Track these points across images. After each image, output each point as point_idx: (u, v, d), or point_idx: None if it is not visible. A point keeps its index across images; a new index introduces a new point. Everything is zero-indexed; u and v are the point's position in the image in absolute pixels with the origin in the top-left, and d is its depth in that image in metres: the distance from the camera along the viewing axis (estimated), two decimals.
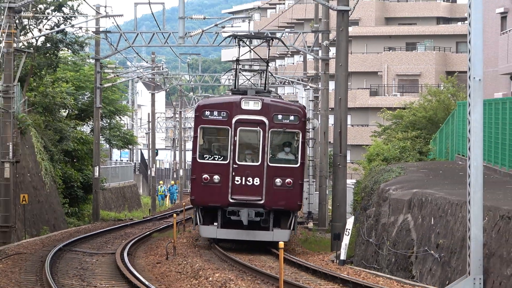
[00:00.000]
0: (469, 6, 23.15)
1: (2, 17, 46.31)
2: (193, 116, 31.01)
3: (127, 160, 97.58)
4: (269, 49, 36.37)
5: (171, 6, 56.92)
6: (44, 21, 60.17)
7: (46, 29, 60.24)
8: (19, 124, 51.62)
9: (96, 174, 67.33)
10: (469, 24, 23.48)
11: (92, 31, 65.53)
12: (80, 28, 63.35)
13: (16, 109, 50.29)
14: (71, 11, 61.08)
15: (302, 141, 30.38)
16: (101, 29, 65.32)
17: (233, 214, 29.16)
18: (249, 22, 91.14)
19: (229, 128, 29.82)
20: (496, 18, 55.27)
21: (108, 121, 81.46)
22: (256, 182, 29.63)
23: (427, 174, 40.22)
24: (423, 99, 64.93)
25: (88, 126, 72.46)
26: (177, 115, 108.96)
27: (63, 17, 60.50)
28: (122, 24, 69.18)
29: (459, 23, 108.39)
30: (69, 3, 60.02)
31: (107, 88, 73.61)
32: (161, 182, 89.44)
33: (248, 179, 29.82)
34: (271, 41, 35.46)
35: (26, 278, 30.74)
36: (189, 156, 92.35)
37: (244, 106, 29.87)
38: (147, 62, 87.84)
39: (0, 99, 46.50)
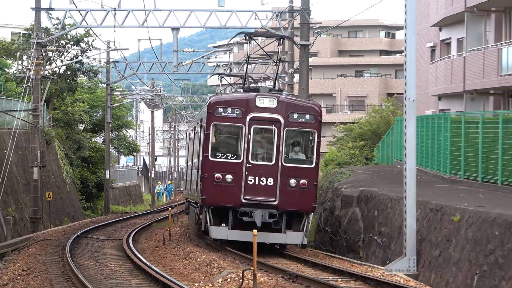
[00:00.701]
0: (405, 41, 24.56)
1: (32, 50, 46.76)
2: (205, 114, 26.74)
3: (131, 165, 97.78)
4: (279, 49, 31.31)
5: (167, 41, 57.01)
6: (65, 53, 60.13)
7: (67, 60, 60.50)
8: (45, 136, 51.76)
9: (107, 176, 68.24)
10: (405, 55, 24.66)
11: (103, 62, 65.95)
12: (94, 59, 63.58)
13: (43, 124, 50.47)
14: (87, 45, 60.93)
15: (318, 141, 25.87)
16: (111, 60, 66.34)
17: (245, 215, 24.96)
18: (229, 54, 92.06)
19: (243, 126, 25.17)
20: (427, 50, 57.08)
21: (117, 133, 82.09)
22: (270, 183, 25.21)
23: (372, 175, 40.52)
24: (368, 115, 66.44)
25: (101, 137, 72.67)
26: (172, 129, 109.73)
27: (80, 50, 60.58)
28: (128, 55, 69.25)
29: (398, 55, 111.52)
30: (85, 39, 59.89)
31: (115, 107, 74.19)
32: (159, 182, 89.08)
33: (262, 179, 25.29)
34: (281, 40, 30.80)
35: (50, 259, 30.37)
36: (182, 161, 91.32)
37: (259, 103, 25.25)
38: (147, 86, 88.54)
39: (30, 116, 46.96)
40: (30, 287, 23.82)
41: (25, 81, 46.46)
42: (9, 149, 41.47)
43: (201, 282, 24.81)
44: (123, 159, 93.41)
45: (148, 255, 33.10)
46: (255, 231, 23.42)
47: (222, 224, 25.31)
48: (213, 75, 37.80)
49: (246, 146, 24.64)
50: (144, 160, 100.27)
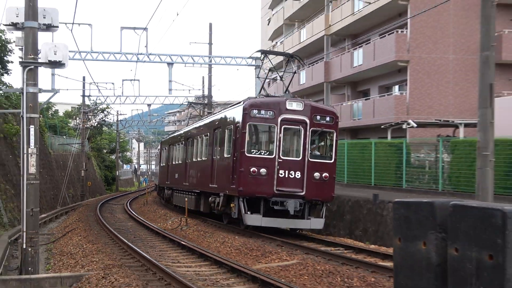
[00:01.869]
0: None
1: (81, 115, 51.70)
2: (240, 114, 20.33)
3: (128, 168, 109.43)
4: (291, 65, 25.14)
5: (146, 110, 50.96)
6: (97, 116, 69.67)
7: (97, 120, 70.19)
8: (87, 155, 56.50)
9: (117, 174, 77.27)
10: None
11: (115, 119, 75.28)
12: (110, 119, 74.72)
13: (86, 149, 54.47)
14: (107, 111, 70.28)
15: (336, 140, 20.34)
16: (118, 119, 74.97)
17: (276, 204, 19.42)
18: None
19: (276, 126, 19.38)
20: None
21: (121, 153, 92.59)
22: (298, 175, 19.41)
23: None
24: None
25: (113, 155, 79.06)
26: (147, 151, 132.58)
27: (104, 114, 70.58)
28: (127, 116, 77.78)
29: None
30: (106, 110, 69.15)
31: (121, 141, 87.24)
32: (141, 177, 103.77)
33: (291, 172, 19.40)
34: (290, 58, 24.06)
35: (89, 213, 31.97)
36: (153, 167, 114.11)
37: (288, 106, 19.63)
38: (136, 132, 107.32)
39: (80, 146, 50.36)
40: (80, 226, 24.94)
41: (78, 129, 53.12)
42: (70, 161, 44.43)
43: (161, 223, 26.84)
44: (124, 166, 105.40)
45: (136, 211, 34.09)
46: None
47: (248, 212, 19.76)
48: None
49: (278, 143, 19.36)
50: (135, 166, 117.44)
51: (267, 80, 28.12)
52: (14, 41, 24.20)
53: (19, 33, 13.97)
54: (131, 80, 44.17)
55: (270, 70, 26.33)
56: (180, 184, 30.89)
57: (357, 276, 12.61)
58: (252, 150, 19.71)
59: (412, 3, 34.26)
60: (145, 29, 30.58)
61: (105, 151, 76.52)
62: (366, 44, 39.17)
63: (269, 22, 61.06)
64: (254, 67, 34.86)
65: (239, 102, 21.22)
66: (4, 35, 30.56)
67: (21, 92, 13.61)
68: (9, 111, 26.99)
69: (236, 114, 20.96)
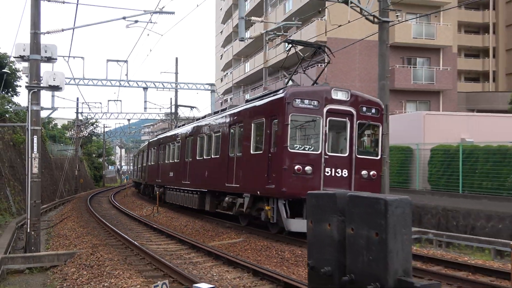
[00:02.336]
0: None
1: (75, 127, 50.57)
2: (280, 105, 13.56)
3: (113, 169, 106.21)
4: (324, 54, 20.79)
5: (131, 121, 49.69)
6: (88, 128, 68.25)
7: (88, 131, 69.03)
8: (80, 158, 54.73)
9: (104, 173, 75.03)
10: None
11: (101, 130, 73.44)
12: (98, 131, 72.79)
13: (79, 154, 52.85)
14: (96, 124, 68.88)
15: (382, 134, 14.38)
16: (105, 130, 73.22)
17: None
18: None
19: (321, 118, 13.42)
20: None
21: (107, 157, 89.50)
22: (345, 174, 13.48)
23: None
24: None
25: (100, 159, 76.65)
26: (127, 156, 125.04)
27: (93, 126, 69.00)
28: (112, 128, 75.64)
29: None
30: (95, 123, 67.75)
31: (107, 148, 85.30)
32: (123, 176, 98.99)
33: (337, 170, 13.43)
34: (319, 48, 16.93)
35: (81, 204, 30.82)
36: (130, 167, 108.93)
37: (334, 95, 13.61)
38: (118, 141, 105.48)
39: (74, 151, 49.17)
40: (73, 214, 24.28)
41: (72, 139, 53.07)
42: (66, 163, 43.77)
43: (138, 211, 26.45)
44: (110, 167, 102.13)
45: (118, 202, 33.12)
46: None
47: (286, 217, 13.60)
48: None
49: (323, 137, 13.49)
50: (118, 167, 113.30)
51: (220, 101, 24.80)
52: (21, 70, 23.22)
53: (25, 64, 13.64)
54: (114, 100, 47.34)
55: (223, 93, 24.77)
56: (177, 183, 24.15)
57: (288, 250, 12.56)
58: (295, 146, 13.68)
59: (329, 44, 33.47)
60: (125, 61, 30.18)
61: (94, 155, 74.51)
62: (319, 65, 36.92)
63: (221, 57, 60.50)
64: (210, 91, 34.57)
65: (274, 92, 14.92)
66: (14, 65, 30.52)
67: (26, 109, 13.47)
68: (17, 124, 26.57)
69: (271, 105, 14.60)
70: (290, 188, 13.32)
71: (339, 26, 17.97)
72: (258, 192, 14.62)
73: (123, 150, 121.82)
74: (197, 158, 21.19)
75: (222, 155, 17.75)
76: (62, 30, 13.81)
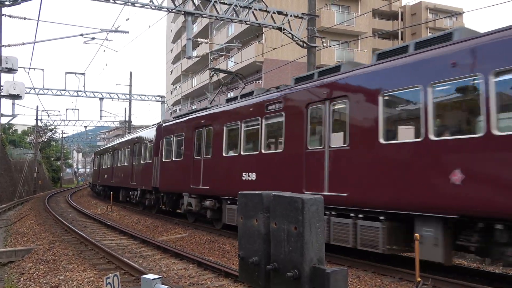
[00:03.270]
0: None
1: (35, 133, 48.32)
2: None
3: (70, 171, 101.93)
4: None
5: (88, 128, 46.41)
6: (47, 134, 64.29)
7: (47, 136, 65.34)
8: (38, 161, 52.68)
9: (62, 175, 72.21)
10: None
11: (60, 136, 70.91)
12: (57, 136, 70.23)
13: (38, 158, 51.25)
14: (54, 130, 66.38)
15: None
16: (63, 136, 70.75)
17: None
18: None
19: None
20: None
21: (65, 161, 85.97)
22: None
23: None
24: None
25: (59, 162, 73.65)
26: (84, 159, 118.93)
27: (52, 132, 66.38)
28: (70, 134, 72.43)
29: None
30: (54, 130, 65.26)
31: (65, 152, 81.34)
32: (79, 177, 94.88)
33: None
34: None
35: (40, 204, 29.76)
36: (88, 170, 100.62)
37: None
38: (76, 146, 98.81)
39: (33, 155, 47.64)
40: (32, 213, 23.46)
41: (32, 143, 50.37)
42: (26, 166, 42.31)
43: (93, 209, 25.78)
44: (67, 169, 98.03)
45: (75, 202, 32.26)
46: None
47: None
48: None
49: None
50: (75, 170, 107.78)
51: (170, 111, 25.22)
52: None
53: None
54: (72, 109, 47.48)
55: (172, 104, 25.28)
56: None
57: (229, 243, 12.72)
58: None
59: (265, 64, 34.85)
60: (83, 74, 29.41)
61: (52, 159, 72.03)
62: (235, 89, 37.10)
63: (171, 72, 60.31)
64: (160, 102, 34.34)
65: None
66: None
67: None
68: None
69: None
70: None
71: (274, 48, 18.67)
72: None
73: (80, 154, 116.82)
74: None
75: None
76: (23, 44, 13.41)
